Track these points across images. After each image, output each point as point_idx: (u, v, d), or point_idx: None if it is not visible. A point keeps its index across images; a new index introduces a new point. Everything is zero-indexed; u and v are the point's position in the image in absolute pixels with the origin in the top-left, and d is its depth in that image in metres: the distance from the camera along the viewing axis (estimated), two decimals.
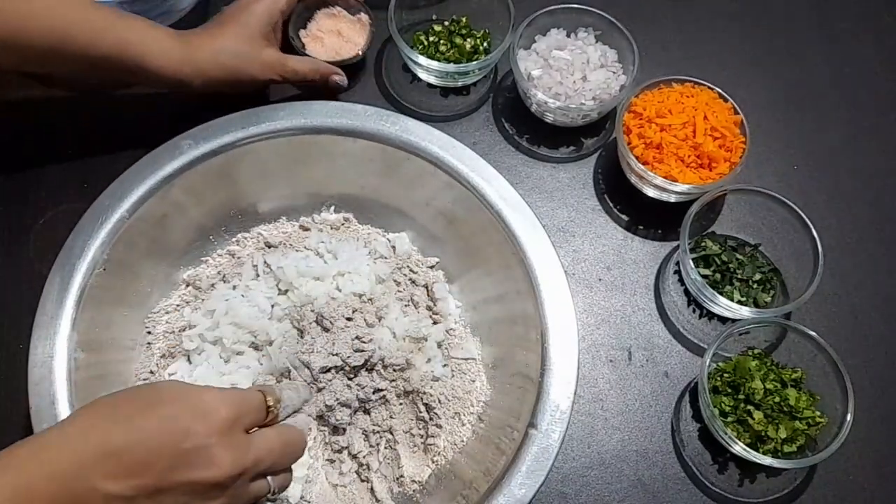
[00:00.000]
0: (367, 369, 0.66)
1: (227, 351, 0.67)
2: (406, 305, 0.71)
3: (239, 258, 0.73)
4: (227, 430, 0.48)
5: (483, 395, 0.68)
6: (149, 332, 0.69)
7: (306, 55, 0.79)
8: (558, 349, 0.63)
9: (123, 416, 0.47)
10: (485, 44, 0.83)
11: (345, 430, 0.66)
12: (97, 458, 0.45)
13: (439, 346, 0.69)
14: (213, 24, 0.74)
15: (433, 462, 0.66)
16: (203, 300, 0.70)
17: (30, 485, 0.44)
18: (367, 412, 0.66)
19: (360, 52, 0.80)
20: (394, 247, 0.74)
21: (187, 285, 0.72)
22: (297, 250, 0.72)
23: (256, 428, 0.52)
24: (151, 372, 0.68)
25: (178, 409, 0.47)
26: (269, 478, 0.51)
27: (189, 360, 0.68)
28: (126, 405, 0.48)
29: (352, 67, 0.81)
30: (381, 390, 0.66)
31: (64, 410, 0.59)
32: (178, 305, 0.71)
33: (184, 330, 0.69)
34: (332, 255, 0.71)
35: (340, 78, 0.78)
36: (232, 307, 0.68)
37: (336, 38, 0.82)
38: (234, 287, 0.70)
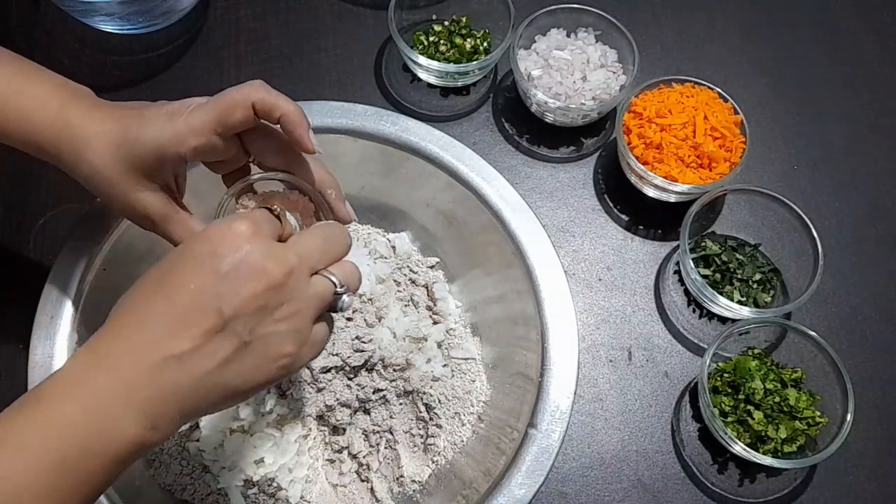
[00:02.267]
0: (367, 369, 0.66)
1: None
2: (406, 305, 0.71)
3: None
4: (253, 237, 0.45)
5: (483, 395, 0.68)
6: None
7: None
8: (558, 349, 0.63)
9: (152, 288, 0.44)
10: (485, 44, 0.83)
11: (345, 430, 0.66)
12: (155, 333, 0.42)
13: (439, 346, 0.69)
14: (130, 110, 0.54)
15: (433, 462, 0.66)
16: None
17: (118, 378, 0.41)
18: (367, 412, 0.66)
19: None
20: (394, 247, 0.74)
21: None
22: None
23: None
24: None
25: (197, 249, 0.45)
26: (327, 272, 0.47)
27: None
28: (150, 282, 0.45)
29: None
30: (381, 390, 0.66)
31: None
32: None
33: None
34: None
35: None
36: None
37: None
38: None
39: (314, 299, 0.47)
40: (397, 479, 0.65)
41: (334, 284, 0.48)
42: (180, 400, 0.43)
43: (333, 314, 0.50)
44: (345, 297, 0.48)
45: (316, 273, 0.47)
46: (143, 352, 0.42)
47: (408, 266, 0.72)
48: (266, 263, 0.44)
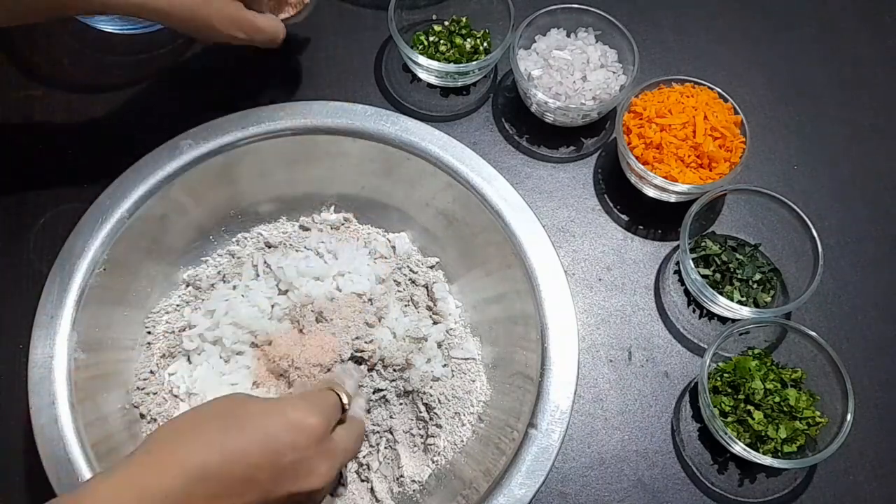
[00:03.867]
0: (367, 369, 0.66)
1: (227, 351, 0.67)
2: (406, 305, 0.71)
3: (239, 258, 0.73)
4: (321, 438, 0.50)
5: (483, 395, 0.68)
6: (149, 332, 0.69)
7: None
8: (558, 349, 0.63)
9: (213, 435, 0.46)
10: (485, 44, 0.83)
11: None
12: (196, 482, 0.44)
13: (439, 346, 0.69)
14: None
15: (433, 462, 0.66)
16: (203, 300, 0.70)
17: None
18: (367, 412, 0.66)
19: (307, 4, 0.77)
20: (394, 247, 0.74)
21: (187, 285, 0.72)
22: (297, 250, 0.72)
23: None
24: (151, 372, 0.67)
25: (271, 425, 0.48)
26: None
27: (189, 360, 0.68)
28: (210, 424, 0.47)
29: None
30: (382, 390, 0.66)
31: (64, 410, 0.59)
32: (178, 305, 0.71)
33: (184, 330, 0.69)
34: (332, 255, 0.71)
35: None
36: (232, 307, 0.68)
37: None
38: (234, 287, 0.70)
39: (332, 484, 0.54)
40: (397, 479, 0.65)
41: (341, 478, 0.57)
42: None
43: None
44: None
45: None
46: (181, 494, 0.44)
47: (408, 266, 0.72)
48: (323, 469, 0.50)
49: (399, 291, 0.71)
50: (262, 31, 0.69)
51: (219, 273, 0.72)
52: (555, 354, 0.63)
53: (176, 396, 0.67)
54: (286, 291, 0.69)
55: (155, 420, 0.66)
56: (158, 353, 0.68)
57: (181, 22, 0.66)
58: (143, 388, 0.66)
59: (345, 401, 0.55)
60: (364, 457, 0.65)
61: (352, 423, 0.57)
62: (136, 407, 0.66)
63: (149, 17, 0.64)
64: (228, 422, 0.48)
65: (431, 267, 0.74)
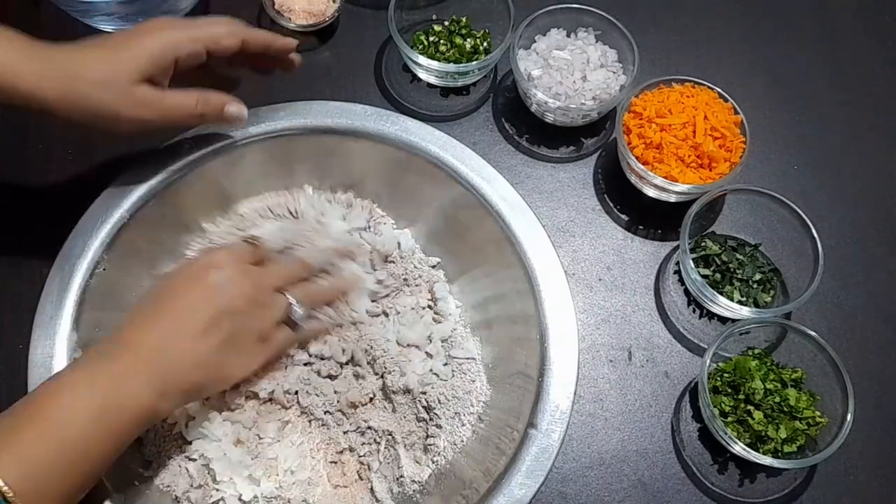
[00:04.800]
0: (371, 370, 0.66)
1: None
2: (406, 305, 0.71)
3: None
4: (233, 261, 0.60)
5: (483, 395, 0.68)
6: None
7: (282, 23, 0.82)
8: (558, 349, 0.63)
9: (159, 295, 0.59)
10: (485, 44, 0.83)
11: (346, 431, 0.66)
12: (164, 329, 0.56)
13: (442, 342, 0.69)
14: (91, 43, 0.62)
15: (433, 462, 0.66)
16: None
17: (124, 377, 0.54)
18: (367, 412, 0.66)
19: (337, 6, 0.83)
20: (399, 242, 0.73)
21: None
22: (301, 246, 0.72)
23: None
24: None
25: (193, 269, 0.60)
26: (287, 291, 0.63)
27: None
28: (158, 291, 0.60)
29: (323, 32, 0.84)
30: (381, 390, 0.66)
31: None
32: None
33: None
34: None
35: (237, 107, 0.66)
36: None
37: (306, 3, 0.84)
38: None
39: (274, 310, 0.62)
40: (397, 479, 0.65)
41: (289, 300, 0.63)
42: (182, 378, 0.56)
43: (297, 322, 0.64)
44: (297, 309, 0.63)
45: (279, 290, 0.63)
46: (154, 343, 0.56)
47: (412, 263, 0.72)
48: (242, 281, 0.60)
49: (400, 291, 0.71)
50: (176, 109, 0.62)
51: None
52: (555, 354, 0.63)
53: None
54: None
55: None
56: None
57: (86, 117, 0.60)
58: None
59: (247, 237, 0.67)
60: (364, 457, 0.66)
61: (284, 263, 0.67)
62: None
63: (54, 113, 0.60)
64: (164, 292, 0.60)
65: (433, 266, 0.73)
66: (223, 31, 0.63)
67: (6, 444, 0.49)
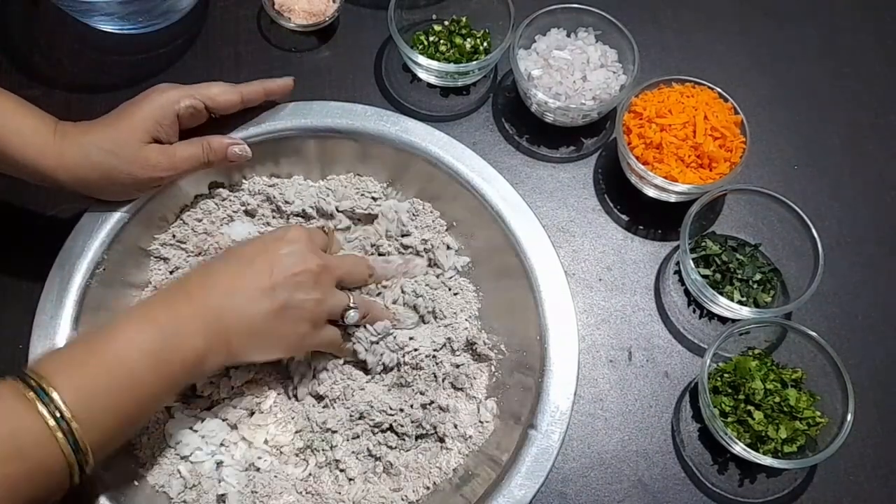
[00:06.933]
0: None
1: None
2: (419, 315, 0.70)
3: None
4: (306, 241, 0.62)
5: (483, 396, 0.68)
6: None
7: (282, 23, 0.83)
8: (558, 349, 0.63)
9: (229, 257, 0.63)
10: (485, 44, 0.83)
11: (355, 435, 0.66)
12: (225, 284, 0.59)
13: (440, 347, 0.69)
14: (99, 119, 0.66)
15: (433, 462, 0.66)
16: None
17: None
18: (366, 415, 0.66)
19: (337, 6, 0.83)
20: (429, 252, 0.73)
21: None
22: None
23: None
24: None
25: (267, 238, 0.63)
26: (347, 291, 0.66)
27: None
28: (229, 254, 0.64)
29: (323, 32, 0.85)
30: (381, 391, 0.66)
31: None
32: None
33: None
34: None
35: (241, 148, 0.68)
36: None
37: (306, 3, 0.84)
38: None
39: (331, 299, 0.63)
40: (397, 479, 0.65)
41: (349, 300, 0.64)
42: (232, 334, 0.58)
43: (345, 323, 0.65)
44: (351, 312, 0.64)
45: (341, 287, 0.65)
46: (215, 301, 0.58)
47: (433, 275, 0.72)
48: (310, 258, 0.61)
49: (412, 299, 0.70)
50: (186, 160, 0.66)
51: None
52: (555, 354, 0.63)
53: None
54: None
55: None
56: None
57: (101, 185, 0.64)
58: None
59: (327, 230, 0.70)
60: (364, 457, 0.65)
61: (343, 255, 0.70)
62: None
63: (67, 189, 0.64)
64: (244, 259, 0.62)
65: (461, 267, 0.73)
66: (217, 90, 0.67)
67: (68, 370, 0.52)
